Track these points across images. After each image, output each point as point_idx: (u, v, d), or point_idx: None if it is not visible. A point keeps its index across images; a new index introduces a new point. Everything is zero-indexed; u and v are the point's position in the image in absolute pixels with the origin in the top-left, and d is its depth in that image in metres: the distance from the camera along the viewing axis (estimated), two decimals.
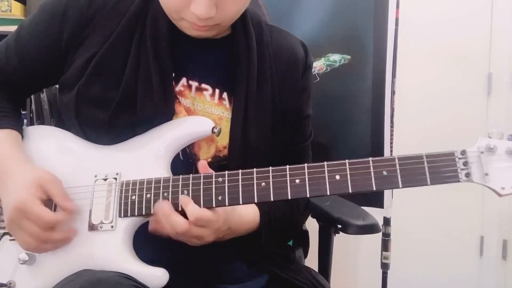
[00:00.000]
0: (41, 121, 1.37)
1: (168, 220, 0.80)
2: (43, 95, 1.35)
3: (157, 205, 0.81)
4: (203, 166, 0.84)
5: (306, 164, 0.79)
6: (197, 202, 0.81)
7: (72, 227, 0.84)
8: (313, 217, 1.21)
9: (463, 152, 0.76)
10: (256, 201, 0.80)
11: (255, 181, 0.80)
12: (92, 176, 0.87)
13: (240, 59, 0.93)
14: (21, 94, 1.01)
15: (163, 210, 0.80)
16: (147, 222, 0.86)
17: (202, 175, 0.82)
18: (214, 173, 0.82)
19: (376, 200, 1.69)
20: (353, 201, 1.28)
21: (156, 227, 0.83)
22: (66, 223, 0.84)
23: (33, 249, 0.83)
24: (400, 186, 0.76)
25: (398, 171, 0.76)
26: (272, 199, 0.79)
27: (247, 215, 0.91)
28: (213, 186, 0.81)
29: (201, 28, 0.85)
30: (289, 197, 0.79)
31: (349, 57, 1.69)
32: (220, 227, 0.82)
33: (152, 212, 0.82)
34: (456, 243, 2.46)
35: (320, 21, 1.71)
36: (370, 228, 1.12)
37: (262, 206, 0.92)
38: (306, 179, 0.79)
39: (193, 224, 0.79)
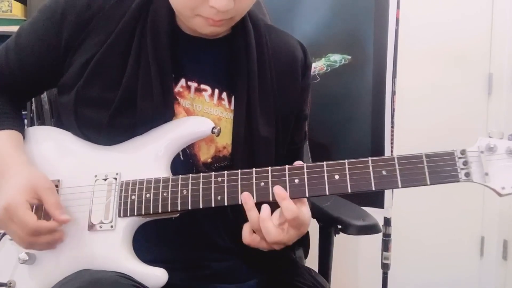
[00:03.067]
0: (42, 121, 1.37)
1: (263, 224, 0.78)
2: (43, 95, 1.35)
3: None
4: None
5: (305, 164, 0.79)
6: (196, 201, 0.81)
7: (63, 229, 0.83)
8: (313, 217, 1.20)
9: (463, 152, 0.75)
10: (255, 201, 0.79)
11: (254, 181, 0.80)
12: (92, 176, 0.87)
13: (239, 58, 0.93)
14: (21, 97, 1.01)
15: (262, 216, 0.78)
16: (147, 222, 0.86)
17: (201, 175, 0.82)
18: (213, 173, 0.82)
19: (377, 200, 1.68)
20: (353, 201, 1.27)
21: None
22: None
23: (25, 247, 0.83)
24: (400, 186, 0.76)
25: (398, 171, 0.76)
26: (271, 199, 0.79)
27: None
28: (212, 186, 0.81)
29: (217, 22, 0.85)
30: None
31: (349, 57, 1.69)
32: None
33: (159, 210, 0.82)
34: (457, 244, 2.46)
35: (320, 21, 1.70)
36: (370, 229, 1.12)
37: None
38: (305, 179, 0.79)
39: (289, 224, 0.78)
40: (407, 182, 0.76)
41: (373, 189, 0.76)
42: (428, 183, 0.75)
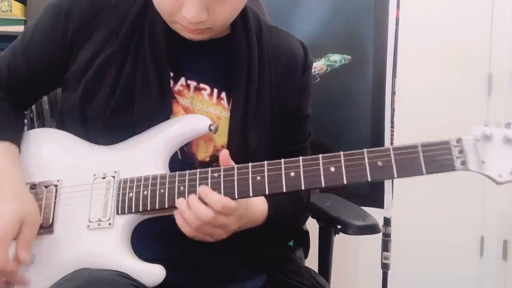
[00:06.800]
0: (41, 121, 1.37)
1: (193, 209, 0.79)
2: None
3: (180, 199, 0.81)
4: (225, 156, 0.83)
5: (301, 157, 0.79)
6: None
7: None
8: (313, 217, 1.22)
9: (459, 140, 0.74)
10: (251, 195, 0.79)
11: (250, 175, 0.80)
12: (91, 175, 0.88)
13: (239, 59, 0.94)
14: (26, 98, 1.02)
15: (189, 201, 0.79)
16: (146, 221, 0.86)
17: (198, 170, 0.82)
18: (210, 168, 0.82)
19: (376, 200, 1.68)
20: (353, 201, 1.28)
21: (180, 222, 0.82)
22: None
23: None
24: (395, 176, 0.75)
25: (393, 161, 0.75)
26: (267, 193, 0.79)
27: (259, 204, 0.91)
28: (209, 181, 0.81)
29: (193, 31, 0.85)
30: (284, 190, 0.78)
31: (349, 57, 1.69)
32: (242, 214, 0.83)
33: (157, 207, 0.82)
34: (457, 243, 2.46)
35: (320, 21, 1.71)
36: (370, 229, 1.12)
37: (270, 199, 0.92)
38: (301, 171, 0.78)
39: (219, 213, 0.79)
40: (402, 172, 0.75)
41: (369, 180, 0.75)
42: (424, 172, 0.74)
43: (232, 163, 0.83)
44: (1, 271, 0.79)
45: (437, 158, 0.74)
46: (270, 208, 0.92)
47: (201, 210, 0.78)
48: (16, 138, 0.94)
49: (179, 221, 0.81)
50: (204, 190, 0.80)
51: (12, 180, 0.86)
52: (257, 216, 0.91)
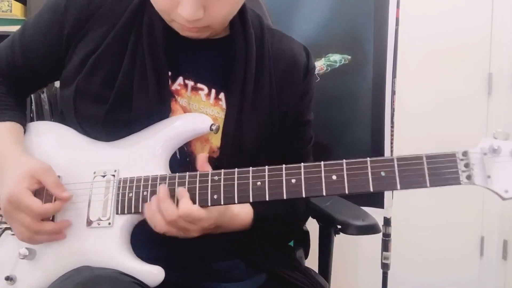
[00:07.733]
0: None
1: (161, 204, 0.79)
2: (43, 95, 1.36)
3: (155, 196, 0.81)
4: (201, 159, 0.83)
5: (302, 164, 0.78)
6: (192, 200, 0.80)
7: (68, 219, 0.85)
8: (313, 217, 1.21)
9: (465, 153, 0.72)
10: (251, 200, 0.79)
11: (250, 180, 0.79)
12: (91, 172, 0.88)
13: (237, 61, 0.93)
14: (25, 89, 1.03)
15: (159, 195, 0.80)
16: (146, 220, 0.86)
17: (198, 173, 0.82)
18: (210, 171, 0.82)
19: (377, 200, 1.68)
20: (353, 201, 1.27)
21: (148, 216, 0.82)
22: (61, 213, 0.85)
23: (27, 239, 0.84)
24: (398, 187, 0.73)
25: (397, 172, 0.73)
26: (267, 199, 0.78)
27: (240, 215, 0.90)
28: (209, 184, 0.80)
29: (191, 29, 0.85)
30: (285, 197, 0.77)
31: (349, 57, 1.69)
32: (209, 225, 0.82)
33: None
34: (457, 243, 2.46)
35: (320, 21, 1.70)
36: (370, 229, 1.12)
37: (257, 207, 0.92)
38: (302, 179, 0.77)
39: (181, 218, 0.79)
40: (406, 184, 0.73)
41: (371, 190, 0.74)
42: (428, 185, 0.72)
43: (209, 167, 0.82)
44: (42, 214, 0.81)
45: (442, 171, 0.72)
46: (254, 219, 0.92)
47: (167, 208, 0.79)
48: (20, 119, 0.95)
49: (147, 213, 0.81)
50: (181, 193, 0.80)
51: (13, 153, 0.87)
52: (235, 225, 0.90)
